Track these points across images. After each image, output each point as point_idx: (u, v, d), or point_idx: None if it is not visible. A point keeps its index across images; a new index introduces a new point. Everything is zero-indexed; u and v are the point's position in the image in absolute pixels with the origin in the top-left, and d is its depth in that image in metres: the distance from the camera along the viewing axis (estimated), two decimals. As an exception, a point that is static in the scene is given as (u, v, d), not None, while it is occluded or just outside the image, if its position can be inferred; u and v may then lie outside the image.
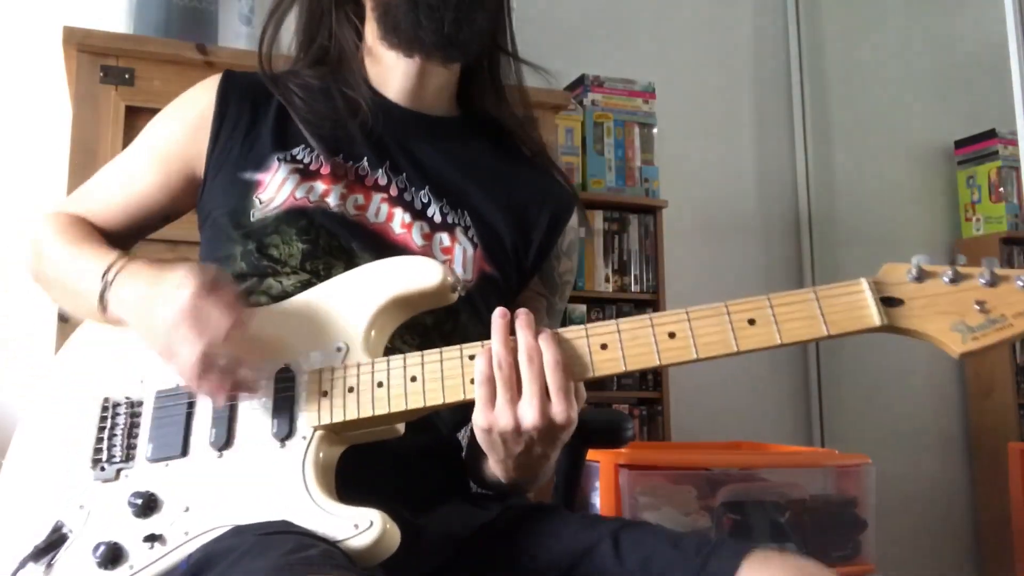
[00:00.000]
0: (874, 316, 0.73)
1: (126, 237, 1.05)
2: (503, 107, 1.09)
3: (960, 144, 3.11)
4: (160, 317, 0.80)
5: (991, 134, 2.99)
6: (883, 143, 3.06)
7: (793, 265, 2.90)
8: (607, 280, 2.44)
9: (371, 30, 1.05)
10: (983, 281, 0.73)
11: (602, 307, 2.42)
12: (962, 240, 3.06)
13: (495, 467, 0.85)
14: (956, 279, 0.73)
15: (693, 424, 2.51)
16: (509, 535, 0.90)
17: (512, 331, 0.79)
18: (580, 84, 2.55)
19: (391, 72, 1.04)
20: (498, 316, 0.79)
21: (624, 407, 2.37)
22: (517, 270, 1.05)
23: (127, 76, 1.65)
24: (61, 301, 1.03)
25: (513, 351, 0.77)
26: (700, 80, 2.87)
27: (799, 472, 1.93)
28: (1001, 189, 2.96)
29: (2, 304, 1.91)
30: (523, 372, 0.76)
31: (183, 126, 1.03)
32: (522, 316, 0.78)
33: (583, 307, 2.39)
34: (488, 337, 0.79)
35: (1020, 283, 0.72)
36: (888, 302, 0.74)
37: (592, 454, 1.82)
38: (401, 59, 1.02)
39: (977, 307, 0.72)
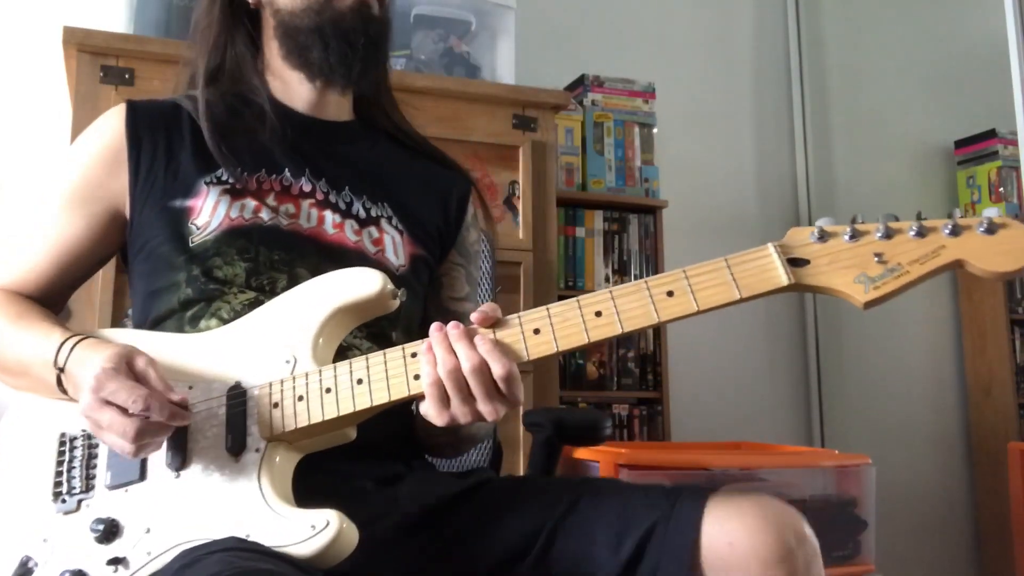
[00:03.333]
0: (782, 276, 0.77)
1: (62, 291, 1.04)
2: (393, 110, 1.18)
3: (960, 144, 3.11)
4: (80, 403, 0.81)
5: (991, 134, 2.99)
6: (883, 143, 3.06)
7: (793, 265, 2.90)
8: (607, 280, 2.43)
9: (272, 48, 1.08)
10: (879, 235, 0.77)
11: (602, 307, 2.42)
12: (962, 240, 3.06)
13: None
14: (855, 236, 0.78)
15: (693, 424, 2.51)
16: (475, 507, 0.94)
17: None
18: (580, 84, 2.54)
19: (294, 88, 1.09)
20: (435, 331, 0.81)
21: (624, 407, 2.37)
22: (440, 246, 1.13)
23: (127, 76, 1.66)
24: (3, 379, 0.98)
25: (456, 360, 0.79)
26: (700, 80, 2.87)
27: (799, 472, 1.93)
28: (1001, 189, 2.96)
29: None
30: (471, 381, 0.78)
31: (97, 164, 1.02)
32: (454, 331, 0.81)
33: (583, 307, 2.38)
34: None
35: (912, 232, 0.76)
36: (794, 263, 0.78)
37: (592, 454, 1.83)
38: (304, 81, 1.08)
39: (876, 259, 0.76)
